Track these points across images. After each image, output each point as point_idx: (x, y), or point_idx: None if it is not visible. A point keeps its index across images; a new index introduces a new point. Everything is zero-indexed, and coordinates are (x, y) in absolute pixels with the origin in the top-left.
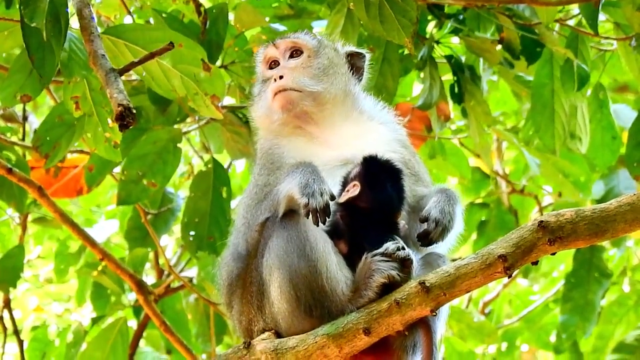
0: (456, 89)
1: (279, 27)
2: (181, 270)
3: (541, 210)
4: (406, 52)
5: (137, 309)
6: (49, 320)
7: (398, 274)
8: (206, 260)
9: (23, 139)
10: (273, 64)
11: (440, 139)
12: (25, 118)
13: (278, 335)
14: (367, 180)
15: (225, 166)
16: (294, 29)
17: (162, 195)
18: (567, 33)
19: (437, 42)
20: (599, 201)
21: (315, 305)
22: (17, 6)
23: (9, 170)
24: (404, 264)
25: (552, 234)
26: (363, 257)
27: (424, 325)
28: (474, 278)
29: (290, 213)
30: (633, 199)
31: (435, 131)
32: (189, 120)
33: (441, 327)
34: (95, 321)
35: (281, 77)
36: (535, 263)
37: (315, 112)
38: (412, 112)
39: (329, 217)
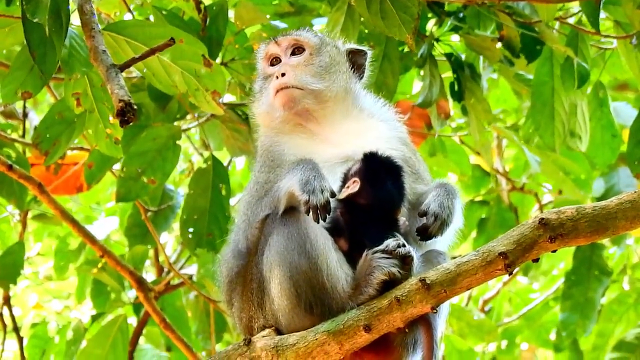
0: (456, 87)
1: (279, 24)
2: (181, 268)
3: (541, 208)
4: (406, 49)
5: (137, 306)
6: (49, 317)
7: (399, 271)
8: (206, 258)
9: (23, 136)
10: (274, 60)
11: (441, 136)
12: (25, 115)
13: (278, 332)
14: (368, 177)
15: (225, 163)
16: (294, 27)
17: (162, 192)
18: (567, 31)
19: (437, 40)
20: (599, 199)
21: (315, 302)
22: (18, 3)
23: (9, 167)
24: (405, 261)
25: (553, 231)
26: (363, 254)
27: (425, 322)
28: (475, 275)
29: (291, 210)
30: (634, 196)
31: (436, 129)
32: (188, 117)
33: (442, 324)
34: (95, 318)
35: (283, 75)
36: (536, 260)
37: (317, 110)
38: (412, 110)
39: (329, 214)
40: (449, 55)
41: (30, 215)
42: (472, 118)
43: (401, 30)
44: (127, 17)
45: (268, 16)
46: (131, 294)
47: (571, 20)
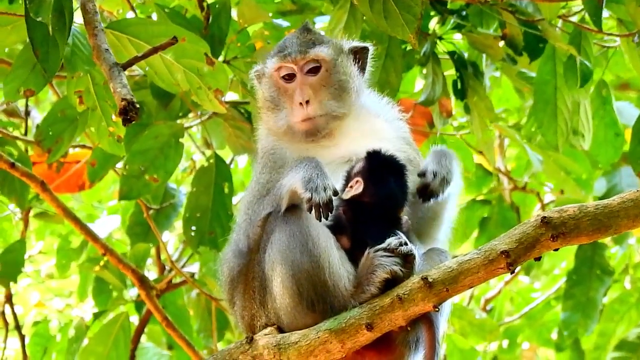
0: (459, 85)
1: (282, 22)
2: (183, 266)
3: (543, 207)
4: (409, 47)
5: (139, 304)
6: (51, 315)
7: (401, 270)
8: (208, 256)
9: (25, 134)
10: (288, 76)
11: (443, 135)
12: (27, 113)
13: (280, 330)
14: (370, 176)
15: (227, 162)
16: (296, 24)
17: (164, 190)
18: (570, 29)
19: (440, 38)
20: (602, 198)
21: (317, 300)
22: (21, 1)
23: (12, 165)
24: (407, 260)
25: (555, 230)
26: (365, 253)
27: (427, 320)
28: (477, 274)
29: (293, 208)
30: (636, 195)
31: (438, 127)
32: (191, 115)
33: (443, 323)
34: (96, 316)
35: (307, 102)
36: (538, 259)
37: (336, 128)
38: (415, 108)
39: (331, 213)
40: (451, 54)
41: (32, 213)
42: (475, 116)
43: (404, 30)
44: (130, 15)
45: (270, 14)
46: (133, 292)
47: (574, 19)
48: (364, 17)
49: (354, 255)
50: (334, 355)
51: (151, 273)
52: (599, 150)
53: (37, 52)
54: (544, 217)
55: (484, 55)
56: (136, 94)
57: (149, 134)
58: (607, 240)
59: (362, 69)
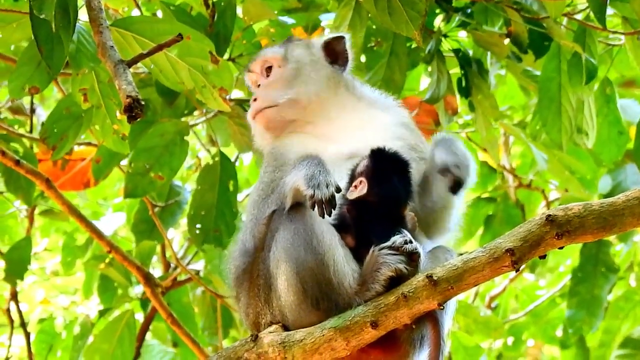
0: (464, 83)
1: (287, 20)
2: (188, 263)
3: (548, 205)
4: (414, 45)
5: (144, 302)
6: (56, 312)
7: (405, 268)
8: (213, 253)
9: (31, 131)
10: (256, 84)
11: (448, 132)
12: (32, 110)
13: (285, 328)
14: (374, 175)
15: (232, 159)
16: (302, 22)
17: (170, 188)
18: (575, 27)
19: (445, 36)
20: (606, 196)
21: (322, 298)
22: None
23: (17, 162)
24: (412, 258)
25: (560, 228)
26: (370, 251)
27: (432, 318)
28: (482, 272)
29: (297, 206)
30: None
31: (443, 125)
32: (196, 113)
33: (448, 320)
34: (102, 314)
35: (255, 100)
36: (543, 257)
37: (302, 116)
38: (420, 106)
39: (334, 209)
40: (456, 51)
41: (37, 210)
42: (479, 114)
43: (409, 27)
44: (135, 12)
45: (276, 12)
46: (138, 289)
47: (579, 16)
48: (369, 14)
49: (358, 253)
50: (339, 353)
51: (156, 270)
52: (603, 148)
53: (41, 50)
54: (549, 215)
55: (489, 53)
56: (141, 92)
57: (154, 131)
58: (612, 237)
59: (345, 60)
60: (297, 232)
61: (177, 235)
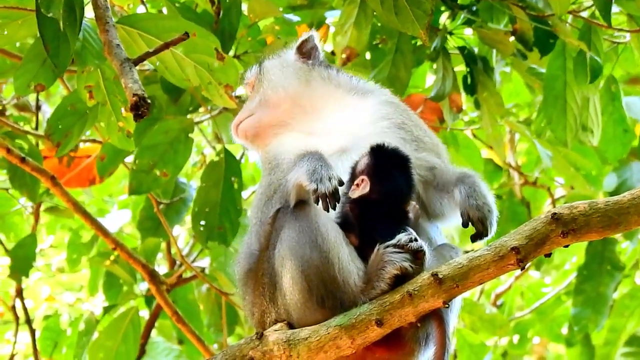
0: (469, 81)
1: (293, 17)
2: (193, 260)
3: (554, 202)
4: (419, 43)
5: (149, 299)
6: (61, 309)
7: (410, 266)
8: (218, 251)
9: (36, 128)
10: None
11: (453, 130)
12: (38, 107)
13: (290, 326)
14: (376, 173)
15: (237, 157)
16: (307, 19)
17: (175, 185)
18: (580, 25)
19: (450, 33)
20: (612, 194)
21: (327, 296)
22: None
23: (22, 160)
24: (417, 256)
25: (565, 226)
26: (375, 249)
27: (437, 317)
28: (487, 270)
29: (302, 204)
30: None
31: (448, 122)
32: (201, 110)
33: (454, 318)
34: (107, 310)
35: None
36: (548, 255)
37: (280, 117)
38: (425, 103)
39: (338, 202)
40: (461, 49)
41: (42, 207)
42: (485, 112)
43: (414, 26)
44: (141, 9)
45: (281, 9)
46: (143, 286)
47: (584, 14)
48: (374, 12)
49: (363, 251)
50: (344, 351)
51: (161, 267)
52: (608, 146)
53: (47, 48)
54: (555, 214)
55: (494, 51)
56: (146, 89)
57: (159, 128)
58: (618, 235)
59: (315, 56)
60: (302, 230)
61: (182, 233)
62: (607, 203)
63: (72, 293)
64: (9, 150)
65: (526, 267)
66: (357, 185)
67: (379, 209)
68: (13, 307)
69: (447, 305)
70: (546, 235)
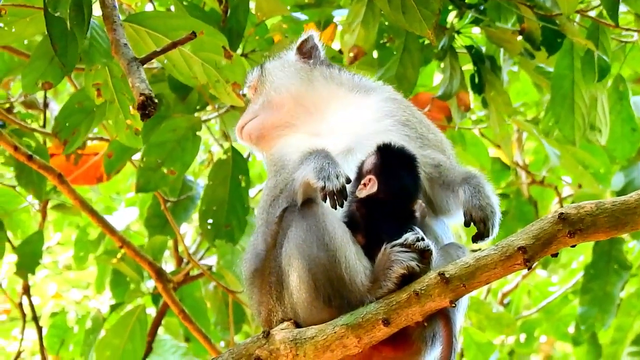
0: (476, 79)
1: (300, 16)
2: (200, 258)
3: (561, 201)
4: (427, 42)
5: (156, 297)
6: (68, 307)
7: (417, 265)
8: (225, 249)
9: (44, 126)
10: None
11: (461, 129)
12: (46, 105)
13: (297, 325)
14: (383, 173)
15: (245, 155)
16: (314, 18)
17: (182, 183)
18: (588, 24)
19: (458, 32)
20: (619, 193)
21: (334, 295)
22: None
23: (29, 157)
24: (424, 255)
25: (572, 226)
26: (382, 248)
27: (443, 316)
28: (494, 269)
29: (309, 203)
30: None
31: (456, 121)
32: (208, 108)
33: (460, 318)
34: (114, 308)
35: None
36: (555, 255)
37: (283, 118)
38: (433, 102)
39: (345, 200)
40: (469, 48)
41: (50, 205)
42: (492, 111)
43: (422, 26)
44: (148, 7)
45: (288, 8)
46: (150, 284)
47: (592, 14)
48: (382, 11)
49: (370, 251)
50: (351, 351)
51: (168, 265)
52: (616, 145)
53: (55, 47)
54: (562, 214)
55: (502, 50)
56: (154, 87)
57: (167, 126)
58: (625, 234)
59: (316, 55)
60: (309, 229)
61: (189, 230)
62: (614, 203)
63: (79, 290)
64: (16, 148)
65: (533, 266)
66: (365, 184)
67: (386, 209)
68: (20, 304)
69: (454, 305)
70: (553, 235)
